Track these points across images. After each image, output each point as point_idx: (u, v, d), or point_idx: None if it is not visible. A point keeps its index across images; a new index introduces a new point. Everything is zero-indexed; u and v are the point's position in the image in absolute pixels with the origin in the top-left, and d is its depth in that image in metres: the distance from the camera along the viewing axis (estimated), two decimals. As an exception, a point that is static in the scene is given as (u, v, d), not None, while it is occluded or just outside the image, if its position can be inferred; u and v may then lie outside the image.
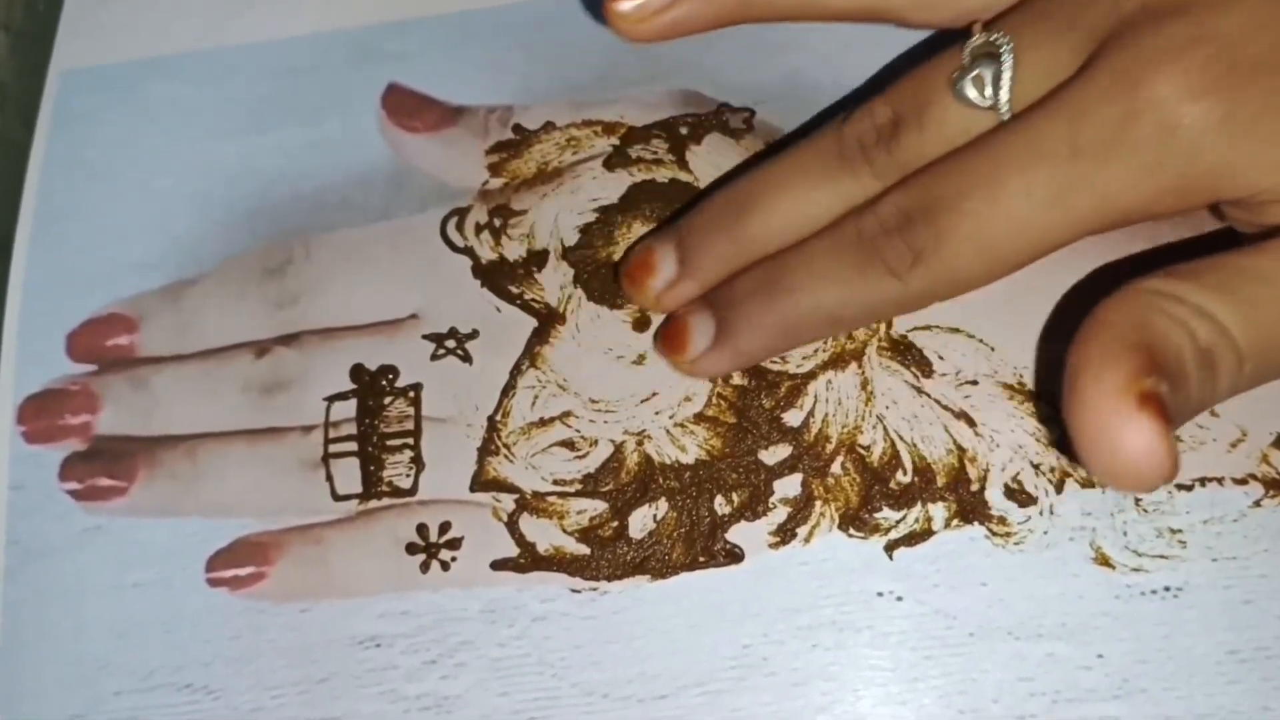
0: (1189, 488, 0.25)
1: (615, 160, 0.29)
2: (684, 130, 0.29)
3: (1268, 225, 0.22)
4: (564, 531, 0.26)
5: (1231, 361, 0.20)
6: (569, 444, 0.27)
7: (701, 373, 0.26)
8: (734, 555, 0.26)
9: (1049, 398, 0.26)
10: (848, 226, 0.24)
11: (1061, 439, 0.26)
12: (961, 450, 0.26)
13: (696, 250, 0.26)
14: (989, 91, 0.23)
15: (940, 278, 0.23)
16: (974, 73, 0.23)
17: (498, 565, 0.26)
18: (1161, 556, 0.25)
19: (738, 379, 0.27)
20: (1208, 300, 0.20)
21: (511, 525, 0.27)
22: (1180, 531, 0.25)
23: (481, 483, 0.27)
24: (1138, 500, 0.25)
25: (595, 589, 0.26)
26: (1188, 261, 0.21)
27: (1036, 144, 0.22)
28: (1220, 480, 0.25)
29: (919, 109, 0.24)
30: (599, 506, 0.27)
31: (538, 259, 0.29)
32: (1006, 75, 0.23)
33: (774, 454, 0.26)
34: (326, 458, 0.28)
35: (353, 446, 0.28)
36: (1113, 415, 0.19)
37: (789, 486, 0.26)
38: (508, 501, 0.27)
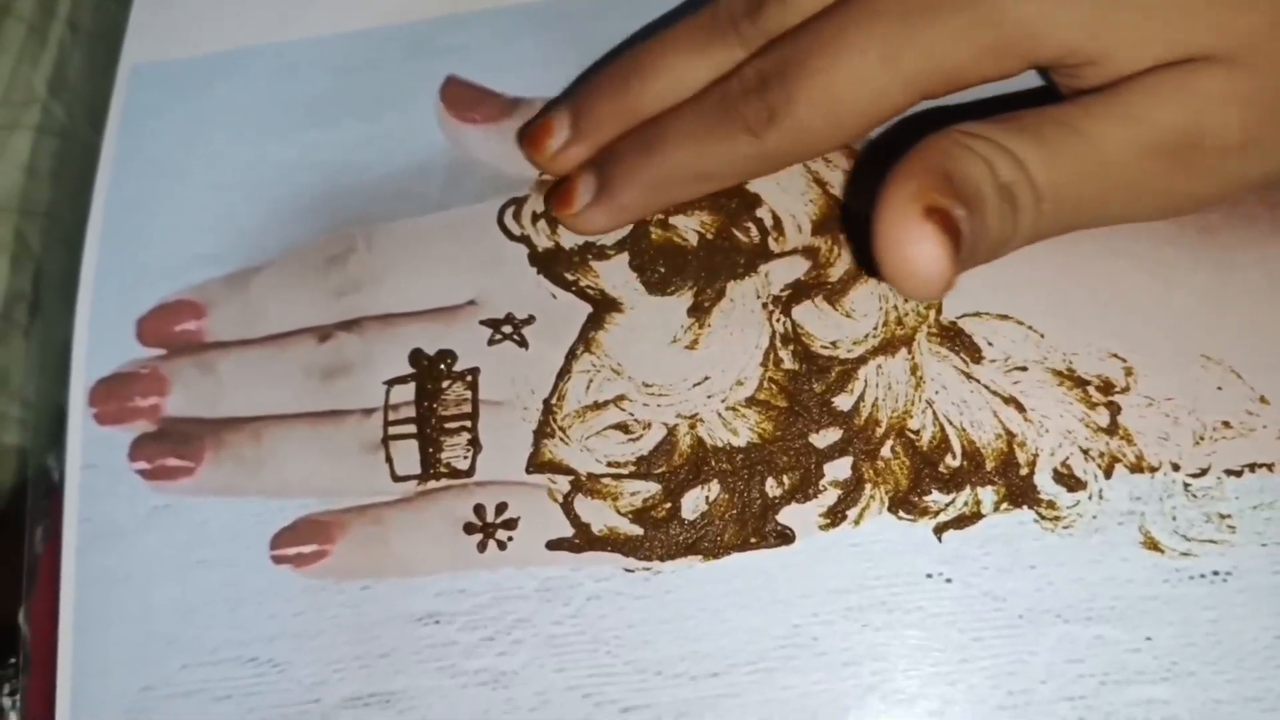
0: (1238, 473, 0.26)
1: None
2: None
3: (1082, 87, 0.24)
4: (618, 512, 0.27)
5: (1030, 200, 0.22)
6: (623, 427, 0.28)
7: (584, 226, 0.29)
8: (785, 537, 0.26)
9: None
10: (714, 89, 0.27)
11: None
12: (1010, 435, 0.26)
13: (586, 116, 0.29)
14: None
15: (793, 135, 0.25)
16: None
17: (553, 545, 0.27)
18: (1210, 541, 0.25)
19: (789, 363, 0.27)
20: (1011, 141, 0.22)
21: (566, 506, 0.27)
22: (1229, 517, 0.25)
23: (537, 464, 0.28)
24: (1187, 485, 0.25)
25: (648, 569, 0.27)
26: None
27: (874, 7, 0.24)
28: (1270, 466, 0.26)
29: None
30: (652, 488, 0.27)
31: (593, 246, 0.29)
32: None
33: (824, 437, 0.27)
34: (386, 440, 0.28)
35: (412, 429, 0.28)
36: (903, 223, 0.21)
37: (839, 469, 0.27)
38: (563, 483, 0.27)
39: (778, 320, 0.28)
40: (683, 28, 0.28)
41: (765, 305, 0.28)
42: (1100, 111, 0.23)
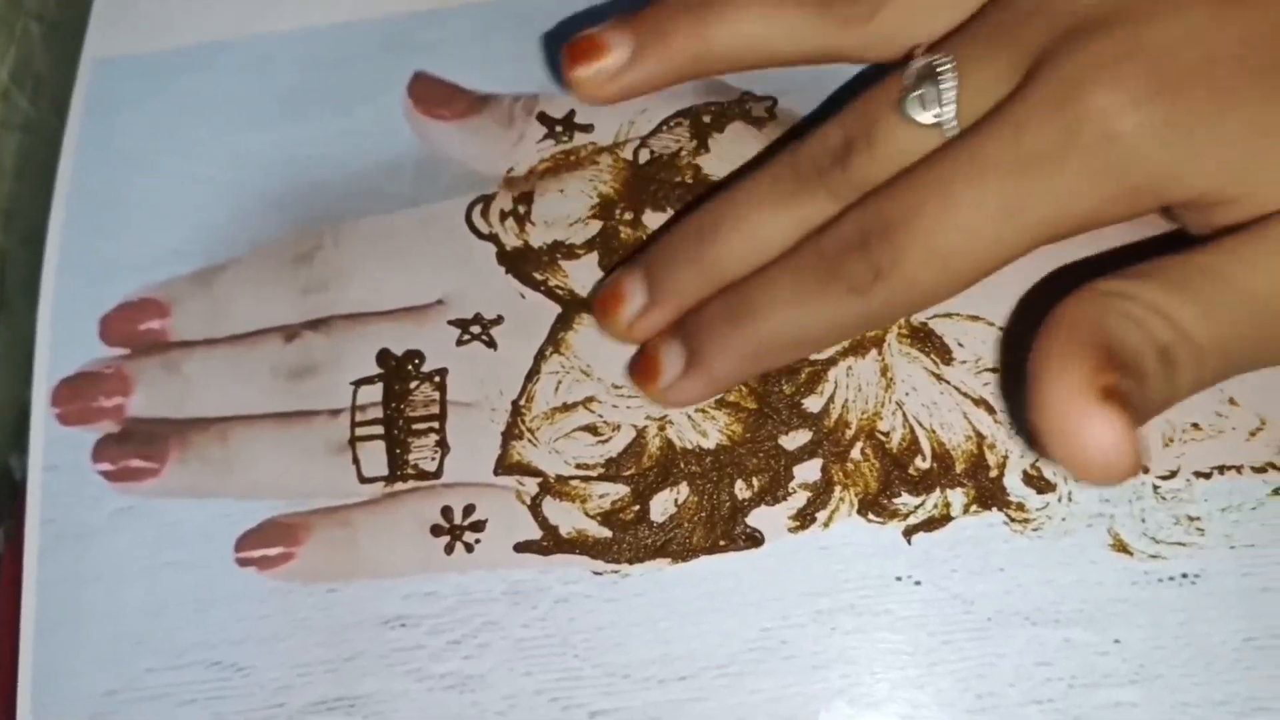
0: (1207, 475, 0.26)
1: (641, 147, 0.30)
2: (707, 119, 0.30)
3: (1218, 225, 0.22)
4: (586, 515, 0.27)
5: (1191, 358, 0.21)
6: (592, 429, 0.27)
7: (674, 401, 0.27)
8: (754, 539, 0.26)
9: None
10: (808, 248, 0.25)
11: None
12: (980, 437, 0.26)
13: (663, 279, 0.26)
14: (934, 109, 0.24)
15: (901, 293, 0.23)
16: (918, 92, 0.24)
17: (521, 547, 0.27)
18: (1179, 544, 0.25)
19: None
20: (1163, 299, 0.21)
21: (535, 508, 0.27)
22: (1198, 519, 0.25)
23: (505, 466, 0.27)
24: (1156, 488, 0.25)
25: (617, 572, 0.26)
26: (1143, 263, 0.21)
27: (983, 158, 0.22)
28: (1239, 468, 0.26)
29: (868, 130, 0.24)
30: (621, 490, 0.27)
31: (561, 245, 0.29)
32: (949, 93, 0.23)
33: (794, 439, 0.27)
34: (353, 441, 0.28)
35: (379, 430, 0.28)
36: (1077, 411, 0.19)
37: (809, 472, 0.27)
38: (531, 485, 0.27)
39: (748, 320, 0.28)
40: (761, 180, 0.26)
41: (735, 306, 0.28)
42: (1250, 257, 0.21)
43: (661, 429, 0.27)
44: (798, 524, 0.26)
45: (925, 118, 0.24)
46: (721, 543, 0.26)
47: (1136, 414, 0.20)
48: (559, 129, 0.30)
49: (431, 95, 0.31)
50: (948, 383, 0.27)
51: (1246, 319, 0.21)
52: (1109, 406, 0.19)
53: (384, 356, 0.29)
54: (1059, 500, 0.26)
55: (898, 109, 0.24)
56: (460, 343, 0.29)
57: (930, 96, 0.24)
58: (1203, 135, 0.21)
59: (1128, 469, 0.19)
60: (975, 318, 0.27)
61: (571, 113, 0.30)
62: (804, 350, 0.27)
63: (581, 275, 0.29)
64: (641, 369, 0.27)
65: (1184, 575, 0.25)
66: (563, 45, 0.27)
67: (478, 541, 0.27)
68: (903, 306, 0.24)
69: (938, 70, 0.24)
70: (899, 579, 0.26)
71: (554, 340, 0.28)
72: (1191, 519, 0.25)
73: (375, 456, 0.28)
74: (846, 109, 0.25)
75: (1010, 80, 0.23)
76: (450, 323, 0.29)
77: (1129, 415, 0.19)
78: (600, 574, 0.26)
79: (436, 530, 0.27)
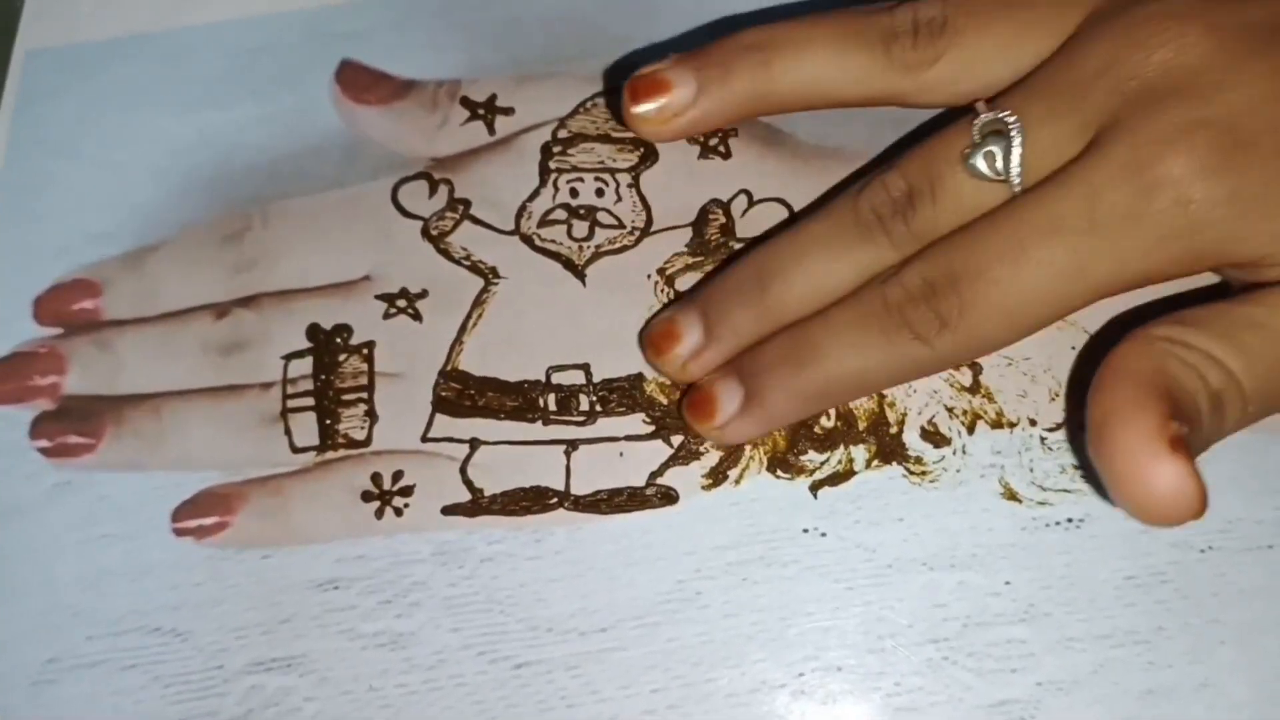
0: (1090, 427, 0.27)
1: (559, 128, 0.31)
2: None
3: (1261, 282, 0.24)
4: (512, 478, 0.28)
5: (1237, 403, 0.22)
6: (514, 395, 0.29)
7: (731, 439, 0.27)
8: (669, 497, 0.28)
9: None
10: (873, 295, 0.25)
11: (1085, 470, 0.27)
12: (881, 396, 0.28)
13: (720, 319, 0.27)
14: (999, 166, 0.24)
15: (966, 342, 0.24)
16: (985, 149, 0.25)
17: (448, 510, 0.28)
18: (1065, 491, 0.27)
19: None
20: (1215, 347, 0.22)
21: (461, 473, 0.28)
22: (1082, 468, 0.27)
23: (432, 434, 0.28)
24: (1043, 439, 0.27)
25: (539, 531, 0.28)
26: (1188, 309, 0.23)
27: (1056, 218, 0.23)
28: (1120, 420, 0.27)
29: (932, 182, 0.25)
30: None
31: (483, 222, 0.30)
32: (1016, 151, 0.24)
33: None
34: (285, 413, 0.29)
35: (310, 401, 0.29)
36: (1146, 459, 0.21)
37: (721, 432, 0.28)
38: (458, 450, 0.28)
39: (662, 292, 0.29)
40: (820, 225, 0.26)
41: (649, 276, 0.29)
42: None
43: (579, 394, 0.28)
44: (711, 482, 0.28)
45: (991, 173, 0.24)
46: (639, 502, 0.27)
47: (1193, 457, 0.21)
48: (481, 112, 0.32)
49: (358, 81, 0.32)
50: (850, 346, 0.28)
51: None
52: (1177, 455, 0.21)
53: (313, 330, 0.30)
54: (954, 453, 0.27)
55: (963, 163, 0.25)
56: (387, 316, 0.30)
57: (997, 153, 0.24)
58: (1265, 203, 0.23)
59: (1197, 511, 0.21)
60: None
61: (493, 96, 0.32)
62: (862, 392, 0.27)
63: (502, 251, 0.30)
64: (696, 406, 0.27)
65: (1069, 520, 0.26)
66: (625, 83, 0.28)
67: (406, 506, 0.28)
68: (965, 354, 0.25)
69: (1006, 127, 0.25)
70: (805, 531, 0.27)
71: (476, 312, 0.29)
72: (1076, 468, 0.27)
73: (306, 427, 0.29)
74: (908, 156, 0.26)
75: (1076, 140, 0.24)
76: (377, 297, 0.30)
77: (1192, 461, 0.21)
78: (523, 533, 0.27)
79: (367, 496, 0.28)
